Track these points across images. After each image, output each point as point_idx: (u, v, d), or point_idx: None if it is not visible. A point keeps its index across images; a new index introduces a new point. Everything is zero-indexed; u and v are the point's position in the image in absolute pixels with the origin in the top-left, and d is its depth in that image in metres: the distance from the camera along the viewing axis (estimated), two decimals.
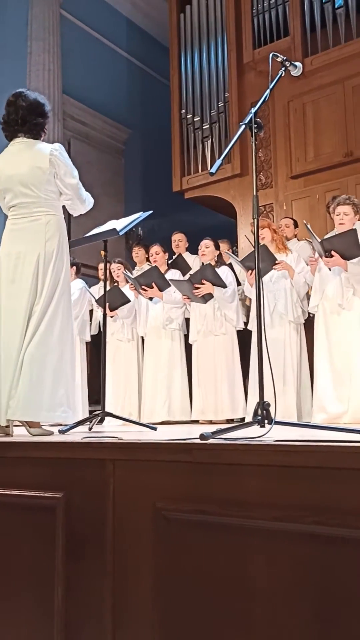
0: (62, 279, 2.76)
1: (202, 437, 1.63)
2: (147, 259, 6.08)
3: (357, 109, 6.85)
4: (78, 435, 2.34)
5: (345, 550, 1.31)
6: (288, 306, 4.44)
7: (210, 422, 4.62)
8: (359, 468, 1.32)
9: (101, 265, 5.59)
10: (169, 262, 5.58)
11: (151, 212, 3.35)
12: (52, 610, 1.76)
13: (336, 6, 6.94)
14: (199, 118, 8.25)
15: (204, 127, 8.17)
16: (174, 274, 5.17)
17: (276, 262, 4.41)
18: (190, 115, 8.34)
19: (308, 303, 4.33)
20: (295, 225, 5.70)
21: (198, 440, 1.62)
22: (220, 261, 5.01)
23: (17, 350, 2.59)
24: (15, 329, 2.62)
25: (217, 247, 5.01)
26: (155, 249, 5.32)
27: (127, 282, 5.38)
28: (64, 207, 2.91)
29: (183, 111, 8.43)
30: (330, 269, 4.01)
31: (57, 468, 1.85)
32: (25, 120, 2.80)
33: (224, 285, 4.71)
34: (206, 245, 4.95)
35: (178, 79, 8.56)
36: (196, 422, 4.79)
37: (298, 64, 2.52)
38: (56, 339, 2.66)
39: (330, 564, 1.32)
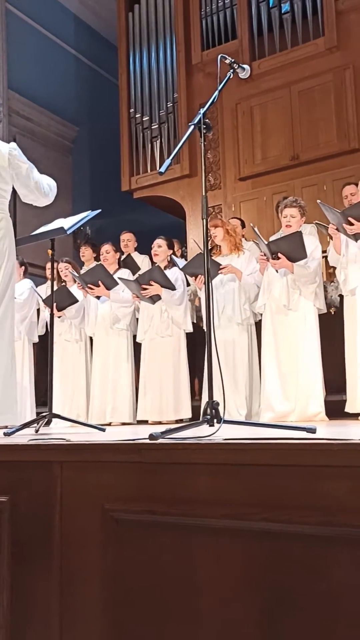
0: (12, 280, 2.71)
1: (151, 437, 1.62)
2: (95, 258, 6.02)
3: (303, 113, 7.00)
4: (24, 437, 2.29)
5: (293, 546, 1.33)
6: (236, 308, 4.47)
7: (160, 423, 4.61)
8: (305, 465, 1.34)
9: (49, 265, 5.50)
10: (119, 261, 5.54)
11: (99, 211, 3.32)
12: None
13: (283, 12, 7.08)
14: (147, 118, 8.25)
15: (152, 127, 8.18)
16: (123, 273, 5.13)
17: (221, 267, 4.42)
18: (139, 115, 8.33)
19: None
20: (243, 225, 5.77)
21: (147, 440, 1.61)
22: (172, 261, 4.99)
23: None
24: None
25: (171, 247, 4.99)
26: (106, 247, 5.27)
27: (75, 282, 5.32)
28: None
29: (132, 110, 8.41)
30: (277, 271, 4.08)
31: (2, 471, 1.81)
32: None
33: (172, 287, 4.70)
34: (158, 244, 4.91)
35: (126, 78, 8.54)
36: (145, 422, 4.77)
37: (246, 66, 2.54)
38: (7, 341, 2.60)
39: (278, 560, 1.34)
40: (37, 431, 2.79)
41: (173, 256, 5.14)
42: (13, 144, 2.79)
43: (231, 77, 2.47)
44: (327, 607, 1.28)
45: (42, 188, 2.79)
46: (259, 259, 4.24)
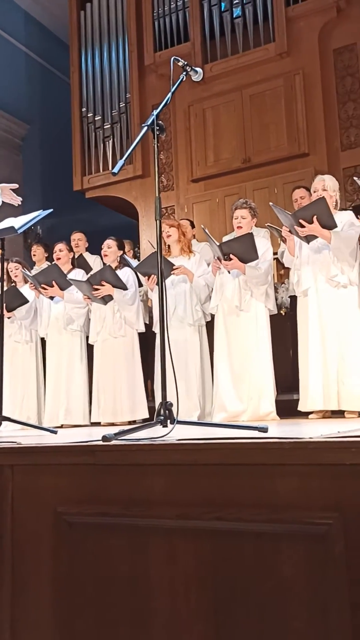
0: None
1: (104, 438, 1.62)
2: (47, 258, 5.94)
3: (255, 117, 7.09)
4: None
5: (243, 543, 1.35)
6: (187, 309, 4.49)
7: (113, 424, 4.59)
8: (257, 463, 1.36)
9: None
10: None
11: (51, 210, 3.28)
12: None
13: (234, 16, 7.16)
14: (100, 117, 8.19)
15: (105, 127, 8.13)
16: (77, 273, 5.07)
17: (174, 267, 4.44)
18: (91, 114, 8.26)
19: None
20: (192, 226, 5.79)
21: (101, 442, 1.60)
22: (125, 261, 4.97)
23: None
24: None
25: (121, 248, 4.96)
26: (60, 246, 5.20)
27: (26, 282, 5.23)
28: None
29: (84, 109, 8.33)
30: (229, 272, 4.13)
31: None
32: None
33: (124, 287, 4.68)
34: (108, 245, 4.88)
35: (78, 77, 8.45)
36: (98, 424, 4.73)
37: (199, 69, 2.56)
38: None
39: (229, 557, 1.36)
40: None
41: (125, 256, 5.12)
42: None
43: (184, 79, 2.48)
44: (277, 602, 1.30)
45: None
46: (213, 262, 4.28)
